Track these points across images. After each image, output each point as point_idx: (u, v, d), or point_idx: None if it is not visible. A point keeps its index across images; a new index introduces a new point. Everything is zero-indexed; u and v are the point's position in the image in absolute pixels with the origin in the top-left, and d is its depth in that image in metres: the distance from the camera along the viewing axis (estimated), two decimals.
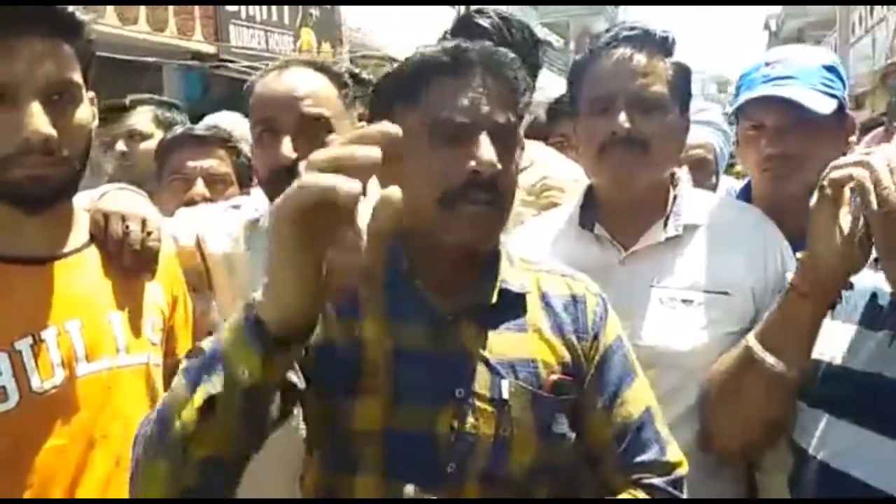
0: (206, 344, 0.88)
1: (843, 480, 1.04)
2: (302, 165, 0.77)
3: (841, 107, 1.50)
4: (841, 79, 1.54)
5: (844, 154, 1.49)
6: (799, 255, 1.12)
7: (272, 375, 0.80)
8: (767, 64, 1.52)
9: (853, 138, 1.57)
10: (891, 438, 1.00)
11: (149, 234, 1.25)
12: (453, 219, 0.98)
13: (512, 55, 1.04)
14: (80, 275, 1.18)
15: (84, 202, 1.26)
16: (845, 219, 1.04)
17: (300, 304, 0.76)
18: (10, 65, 1.03)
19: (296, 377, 0.94)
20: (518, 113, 1.03)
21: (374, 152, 0.70)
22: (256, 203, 1.59)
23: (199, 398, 0.80)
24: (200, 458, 0.82)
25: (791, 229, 1.39)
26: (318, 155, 0.73)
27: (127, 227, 1.24)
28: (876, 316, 1.10)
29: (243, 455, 0.88)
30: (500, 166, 0.98)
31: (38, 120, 1.04)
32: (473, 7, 1.85)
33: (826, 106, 1.46)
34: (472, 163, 0.97)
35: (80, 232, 1.22)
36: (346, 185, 0.69)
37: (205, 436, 0.81)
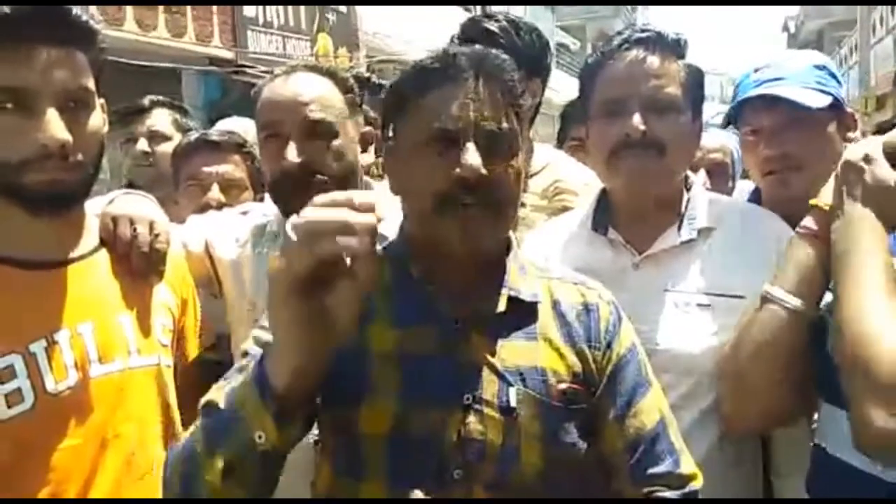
0: (221, 398, 0.92)
1: (856, 475, 1.02)
2: (288, 226, 0.80)
3: (836, 103, 1.50)
4: (833, 76, 1.54)
5: None
6: (813, 201, 1.15)
7: (287, 439, 0.86)
8: (756, 70, 1.53)
9: (855, 134, 1.56)
10: None
11: (156, 236, 1.27)
12: (446, 225, 0.98)
13: (505, 57, 1.04)
14: (91, 278, 1.20)
15: (95, 208, 1.28)
16: None
17: (309, 368, 0.84)
18: (27, 72, 1.05)
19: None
20: (518, 115, 1.02)
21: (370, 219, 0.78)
22: (265, 209, 1.59)
23: (219, 463, 0.86)
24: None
25: None
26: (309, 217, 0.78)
27: (135, 229, 1.26)
28: None
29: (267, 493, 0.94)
30: (484, 171, 0.97)
31: (56, 126, 1.06)
32: (482, 12, 1.85)
33: (818, 101, 1.45)
34: (458, 169, 0.97)
35: (90, 236, 1.24)
36: (361, 238, 0.76)
37: (230, 492, 0.88)
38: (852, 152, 1.11)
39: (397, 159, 1.06)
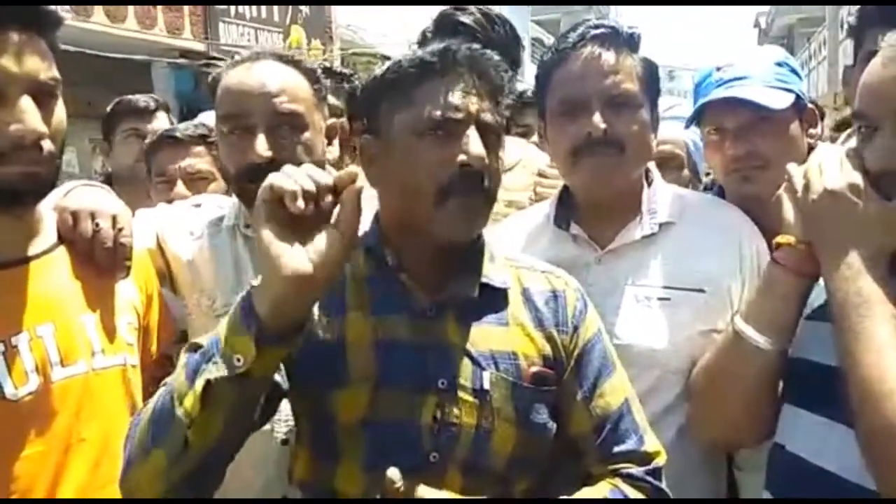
0: (204, 339, 0.94)
1: (814, 472, 1.04)
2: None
3: (798, 99, 1.51)
4: (795, 72, 1.55)
5: (810, 145, 1.51)
6: (780, 238, 1.12)
7: (265, 364, 0.88)
8: (719, 69, 1.53)
9: (816, 130, 1.58)
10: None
11: (120, 230, 1.22)
12: (447, 213, 1.01)
13: (497, 57, 1.06)
14: (50, 277, 1.16)
15: (49, 201, 1.20)
16: None
17: (290, 298, 0.86)
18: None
19: (279, 378, 0.99)
20: (501, 113, 1.06)
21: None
22: (219, 201, 1.54)
23: (199, 385, 0.87)
24: (198, 447, 0.89)
25: (763, 229, 1.39)
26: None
27: (97, 224, 1.20)
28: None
29: (232, 447, 0.94)
30: (488, 161, 1.01)
31: (33, 118, 1.03)
32: (455, 5, 1.81)
33: (781, 101, 1.47)
34: (462, 156, 1.00)
35: (48, 232, 1.19)
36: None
37: (205, 423, 0.88)
38: (831, 179, 1.02)
39: (388, 152, 1.05)
